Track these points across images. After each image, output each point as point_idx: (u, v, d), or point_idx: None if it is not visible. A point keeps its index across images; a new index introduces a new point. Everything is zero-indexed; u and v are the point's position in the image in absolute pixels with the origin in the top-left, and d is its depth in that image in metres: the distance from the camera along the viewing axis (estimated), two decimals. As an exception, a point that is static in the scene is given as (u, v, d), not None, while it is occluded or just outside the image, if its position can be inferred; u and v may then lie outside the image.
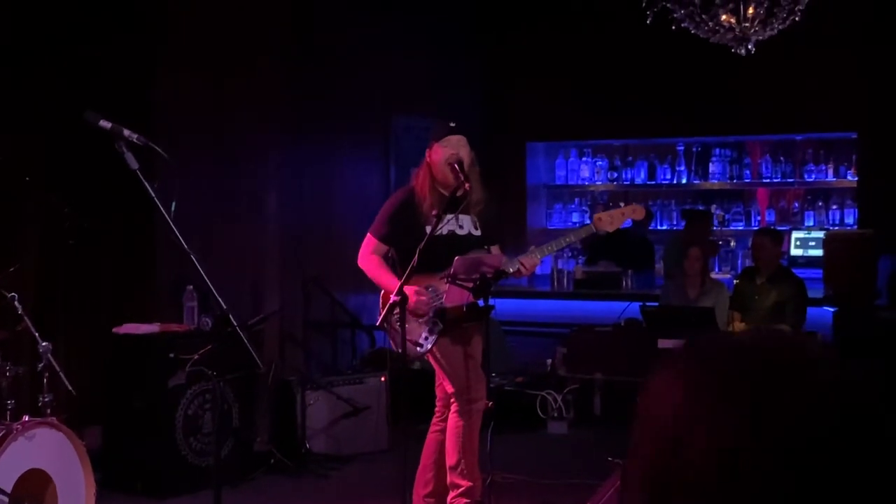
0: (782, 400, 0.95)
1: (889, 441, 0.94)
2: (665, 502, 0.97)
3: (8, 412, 4.91)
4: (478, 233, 5.47)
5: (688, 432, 0.96)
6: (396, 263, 5.43)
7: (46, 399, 5.07)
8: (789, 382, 0.96)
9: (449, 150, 5.33)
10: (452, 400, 5.41)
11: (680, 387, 0.99)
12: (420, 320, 5.34)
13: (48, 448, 4.78)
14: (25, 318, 5.12)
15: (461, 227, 5.43)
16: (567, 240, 5.72)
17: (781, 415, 0.95)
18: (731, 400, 0.97)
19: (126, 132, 3.82)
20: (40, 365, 5.10)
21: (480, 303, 5.30)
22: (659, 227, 10.79)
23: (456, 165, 5.29)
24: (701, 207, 10.32)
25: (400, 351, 5.25)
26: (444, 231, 5.31)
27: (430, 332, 5.35)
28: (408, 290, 5.16)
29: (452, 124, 5.44)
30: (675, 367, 1.01)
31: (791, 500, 0.92)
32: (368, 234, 5.49)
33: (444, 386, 5.51)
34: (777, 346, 1.00)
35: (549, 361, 8.63)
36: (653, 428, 0.99)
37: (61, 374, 5.17)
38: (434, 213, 5.28)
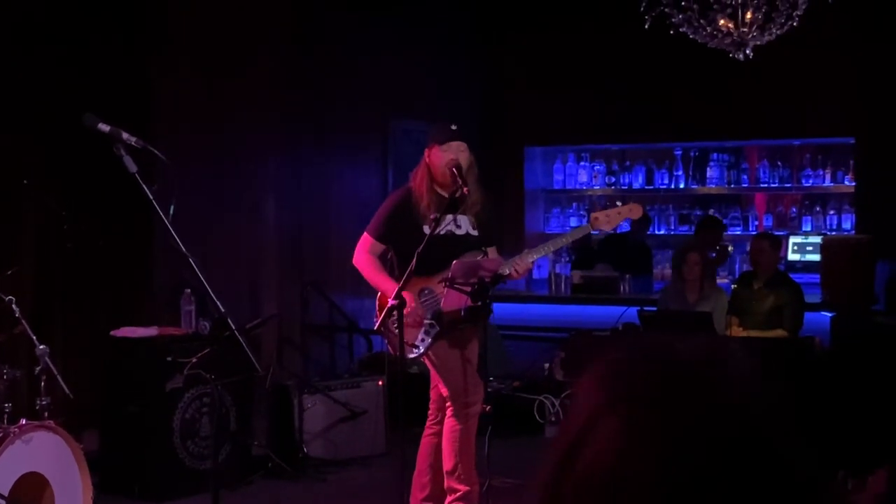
0: (674, 402, 0.95)
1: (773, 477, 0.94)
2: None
3: (5, 415, 4.91)
4: (476, 233, 5.46)
5: (589, 432, 0.96)
6: (395, 266, 5.43)
7: (44, 402, 5.07)
8: (689, 397, 0.96)
9: (449, 155, 5.33)
10: (448, 404, 5.40)
11: (589, 391, 0.99)
12: (416, 325, 5.34)
13: (45, 451, 4.77)
14: (23, 321, 5.12)
15: (459, 227, 5.42)
16: (564, 240, 5.72)
17: (671, 417, 0.95)
18: (626, 401, 0.97)
19: (125, 135, 3.82)
20: (38, 368, 5.10)
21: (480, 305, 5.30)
22: (657, 232, 10.80)
23: (454, 169, 5.29)
24: (713, 213, 10.31)
25: (397, 354, 5.25)
26: (442, 231, 5.31)
27: (427, 334, 5.35)
28: (406, 295, 5.15)
29: (454, 127, 5.43)
30: (591, 374, 1.02)
31: None
32: (365, 234, 5.49)
33: (438, 389, 5.50)
34: (695, 358, 1.00)
35: (547, 366, 8.63)
36: (563, 431, 1.00)
37: (59, 377, 5.17)
38: (433, 216, 5.28)
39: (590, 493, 0.95)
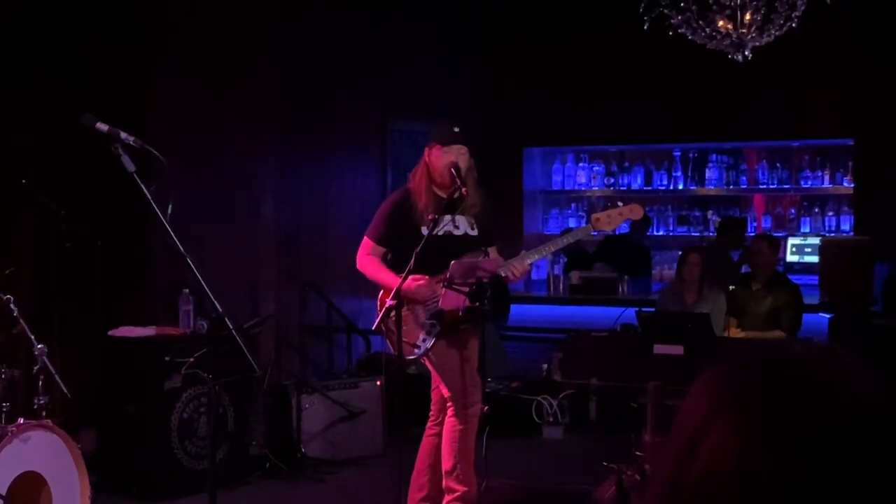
0: (789, 399, 0.96)
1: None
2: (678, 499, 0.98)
3: (3, 414, 4.90)
4: (474, 233, 5.45)
5: (704, 433, 0.97)
6: (394, 268, 5.42)
7: (42, 401, 5.07)
8: (799, 392, 0.96)
9: (449, 157, 5.31)
10: (449, 404, 5.40)
11: (703, 393, 1.00)
12: (418, 322, 5.33)
13: (43, 450, 4.77)
14: (21, 320, 5.11)
15: (457, 227, 5.42)
16: (564, 241, 5.71)
17: (788, 413, 0.95)
18: (742, 400, 0.97)
19: (123, 135, 3.82)
20: (36, 367, 5.09)
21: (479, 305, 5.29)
22: (656, 233, 10.80)
23: (453, 170, 5.29)
24: (736, 215, 10.31)
25: (396, 354, 5.24)
26: (440, 232, 5.31)
27: (428, 334, 5.34)
28: (414, 278, 5.14)
29: (457, 129, 5.41)
30: (704, 377, 1.02)
31: (790, 498, 0.93)
32: (365, 237, 5.48)
33: (440, 390, 5.50)
34: (806, 356, 1.01)
35: (545, 366, 8.63)
36: (677, 433, 1.00)
37: (57, 376, 5.16)
38: (431, 217, 5.27)
39: (710, 494, 0.96)
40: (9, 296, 5.11)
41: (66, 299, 6.74)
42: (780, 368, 0.99)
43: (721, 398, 0.99)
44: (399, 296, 5.12)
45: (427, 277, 5.26)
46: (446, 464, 5.41)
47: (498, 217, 5.98)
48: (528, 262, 5.42)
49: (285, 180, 8.57)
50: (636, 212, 5.72)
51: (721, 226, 9.60)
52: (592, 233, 5.68)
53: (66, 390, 5.19)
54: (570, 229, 5.68)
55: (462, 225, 5.43)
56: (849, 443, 0.94)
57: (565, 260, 10.23)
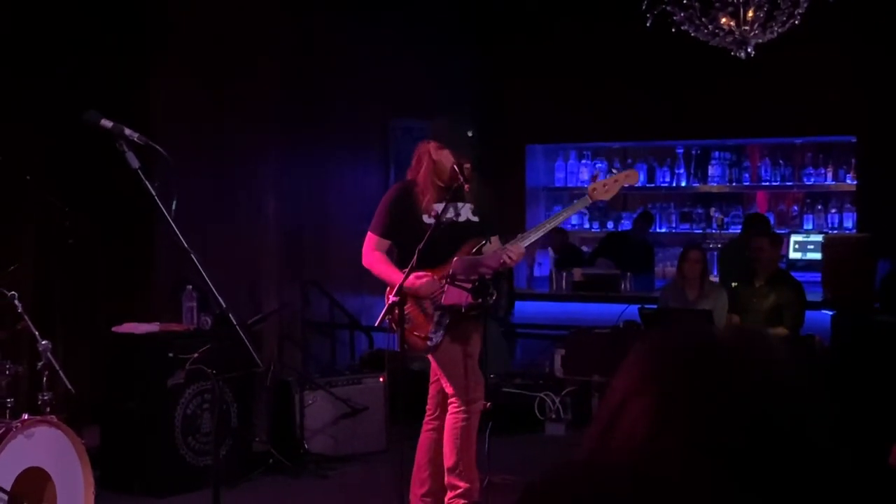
0: (703, 381, 0.97)
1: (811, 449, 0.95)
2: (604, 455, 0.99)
3: (7, 410, 4.92)
4: (476, 219, 5.45)
5: (623, 408, 1.00)
6: (399, 262, 5.42)
7: (46, 397, 5.08)
8: (718, 373, 0.98)
9: (458, 159, 5.30)
10: (451, 400, 5.41)
11: (627, 371, 1.03)
12: (427, 315, 5.33)
13: (47, 446, 4.78)
14: (25, 316, 5.13)
15: (459, 215, 5.41)
16: (564, 215, 5.70)
17: (699, 396, 0.96)
18: (658, 381, 0.99)
19: (127, 131, 3.82)
20: (40, 363, 5.11)
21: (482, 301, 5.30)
22: (659, 230, 10.81)
23: (455, 167, 5.29)
24: (756, 211, 10.30)
25: (408, 347, 5.25)
26: (444, 221, 5.30)
27: (439, 325, 5.34)
28: (418, 274, 5.15)
29: (470, 133, 5.38)
30: (631, 355, 1.04)
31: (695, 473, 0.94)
32: (369, 233, 5.48)
33: (438, 384, 5.50)
34: (728, 340, 1.02)
35: (548, 363, 8.64)
36: (602, 408, 1.03)
37: (60, 372, 5.18)
38: (434, 212, 5.28)
39: (626, 462, 0.98)
40: (13, 292, 5.12)
41: (70, 295, 6.76)
42: (696, 349, 1.00)
43: (640, 376, 0.99)
44: (401, 292, 5.13)
45: (430, 274, 5.26)
46: (448, 461, 5.42)
47: (500, 212, 5.98)
48: (525, 244, 5.38)
49: (287, 178, 8.58)
50: (632, 177, 5.65)
51: (746, 222, 9.56)
52: (590, 203, 5.62)
53: (69, 386, 5.21)
54: (577, 201, 5.62)
55: (464, 212, 5.43)
56: (759, 426, 0.94)
57: (558, 257, 10.19)
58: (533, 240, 5.50)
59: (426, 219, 5.25)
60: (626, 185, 5.68)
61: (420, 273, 5.22)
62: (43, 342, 5.09)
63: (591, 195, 5.47)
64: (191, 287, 6.79)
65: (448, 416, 5.43)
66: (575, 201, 5.82)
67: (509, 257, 5.25)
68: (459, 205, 5.39)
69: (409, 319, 5.26)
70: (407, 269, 5.13)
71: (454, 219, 5.38)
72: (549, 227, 5.60)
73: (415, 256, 5.10)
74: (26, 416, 4.78)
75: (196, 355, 5.34)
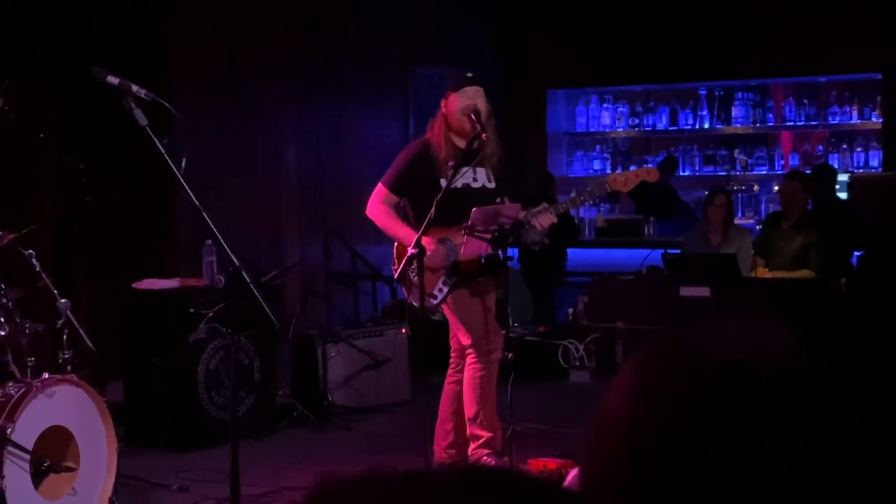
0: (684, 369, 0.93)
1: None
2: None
3: (28, 369, 4.92)
4: (492, 185, 5.42)
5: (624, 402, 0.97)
6: (409, 217, 5.39)
7: (66, 356, 5.07)
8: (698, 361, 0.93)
9: (465, 101, 5.28)
10: (469, 351, 5.39)
11: (627, 370, 0.99)
12: (435, 273, 5.31)
13: (69, 405, 4.78)
14: (44, 275, 5.11)
15: (475, 179, 5.39)
16: (582, 199, 5.65)
17: (680, 380, 0.93)
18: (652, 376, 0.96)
19: (134, 88, 3.78)
20: (60, 322, 5.10)
21: (500, 254, 5.26)
22: (682, 173, 10.69)
23: (472, 115, 5.23)
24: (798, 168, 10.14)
25: (417, 303, 5.23)
26: (459, 184, 5.27)
27: (445, 284, 5.33)
28: (425, 241, 5.12)
29: (469, 74, 5.38)
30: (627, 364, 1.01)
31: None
32: (379, 184, 5.45)
33: (458, 338, 5.49)
34: (728, 348, 0.96)
35: (571, 310, 8.61)
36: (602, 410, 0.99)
37: (81, 330, 5.17)
38: (451, 164, 5.23)
39: (608, 434, 0.96)
40: (31, 251, 5.10)
41: (89, 253, 6.75)
42: (694, 356, 0.95)
43: (636, 386, 0.96)
44: (420, 244, 5.08)
45: (436, 247, 5.22)
46: (469, 411, 5.41)
47: (521, 161, 5.93)
48: (553, 217, 5.34)
49: (306, 128, 8.53)
50: (652, 174, 5.67)
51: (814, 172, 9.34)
52: (608, 192, 5.68)
53: (90, 344, 5.20)
54: (599, 184, 5.60)
55: (480, 177, 5.40)
56: (737, 424, 0.90)
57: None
58: (553, 220, 5.39)
59: (443, 182, 5.20)
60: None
61: (436, 242, 5.19)
62: (62, 300, 5.08)
63: (610, 185, 5.45)
64: (210, 242, 6.77)
65: (466, 368, 5.42)
66: (592, 186, 5.79)
67: (539, 223, 5.24)
68: (478, 170, 5.35)
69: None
70: (425, 222, 5.08)
71: (470, 184, 5.34)
72: (569, 206, 5.64)
73: (433, 208, 5.05)
74: (47, 376, 4.77)
75: (211, 313, 5.33)
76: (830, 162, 10.15)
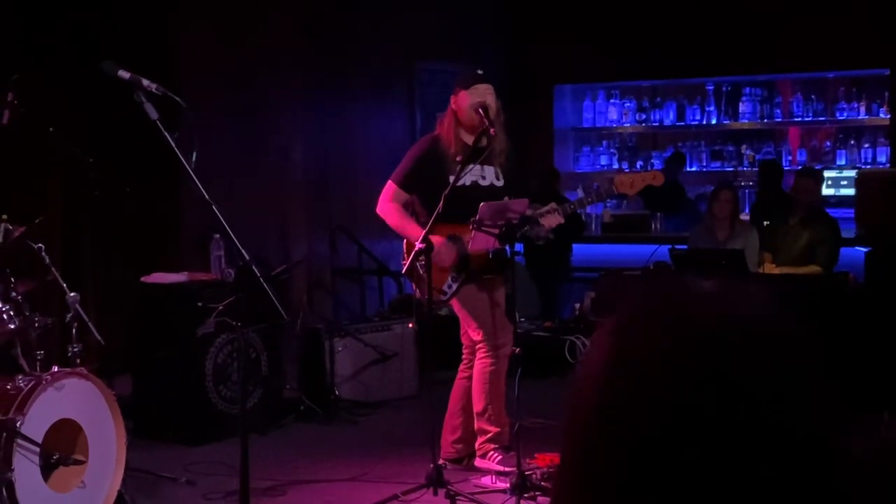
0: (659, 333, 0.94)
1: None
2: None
3: (37, 363, 4.93)
4: (500, 183, 5.43)
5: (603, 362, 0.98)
6: (418, 214, 5.39)
7: (75, 349, 5.08)
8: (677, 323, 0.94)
9: (475, 98, 5.29)
10: (479, 346, 5.40)
11: (601, 335, 1.01)
12: (444, 269, 5.32)
13: (78, 398, 4.80)
14: (53, 268, 5.12)
15: (484, 177, 5.39)
16: (589, 199, 5.65)
17: (654, 344, 0.94)
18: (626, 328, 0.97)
19: (145, 82, 3.79)
20: (69, 315, 5.11)
21: (507, 249, 5.26)
22: (689, 169, 10.68)
23: (481, 110, 5.24)
24: (771, 149, 10.16)
25: (425, 298, 5.23)
26: (467, 182, 5.28)
27: (454, 280, 5.34)
28: (433, 239, 5.12)
29: (480, 72, 5.38)
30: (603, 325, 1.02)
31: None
32: (389, 182, 5.45)
33: (469, 334, 5.50)
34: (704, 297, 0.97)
35: (578, 306, 8.60)
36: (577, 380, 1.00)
37: (90, 323, 5.18)
38: (458, 159, 5.24)
39: (584, 397, 0.97)
40: (40, 244, 5.11)
41: (98, 247, 6.78)
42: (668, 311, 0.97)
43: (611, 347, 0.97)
44: (428, 239, 5.09)
45: (443, 244, 5.21)
46: (478, 405, 5.43)
47: (528, 156, 5.94)
48: (560, 217, 5.35)
49: (313, 124, 8.53)
50: (658, 179, 5.67)
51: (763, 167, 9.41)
52: (615, 194, 5.69)
53: (99, 337, 5.22)
54: (605, 186, 5.60)
55: (489, 175, 5.41)
56: (705, 384, 0.90)
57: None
58: (560, 221, 5.39)
59: (452, 178, 5.20)
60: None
61: (444, 241, 5.19)
62: (71, 294, 5.09)
63: (616, 187, 5.44)
64: (218, 236, 6.78)
65: (476, 362, 5.43)
66: (597, 188, 5.80)
67: (548, 223, 5.25)
68: (486, 167, 5.35)
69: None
70: (433, 216, 5.09)
71: (478, 181, 5.35)
72: (576, 207, 5.62)
73: (441, 202, 5.05)
74: (56, 369, 4.79)
75: (220, 307, 5.33)
76: (838, 157, 10.15)
